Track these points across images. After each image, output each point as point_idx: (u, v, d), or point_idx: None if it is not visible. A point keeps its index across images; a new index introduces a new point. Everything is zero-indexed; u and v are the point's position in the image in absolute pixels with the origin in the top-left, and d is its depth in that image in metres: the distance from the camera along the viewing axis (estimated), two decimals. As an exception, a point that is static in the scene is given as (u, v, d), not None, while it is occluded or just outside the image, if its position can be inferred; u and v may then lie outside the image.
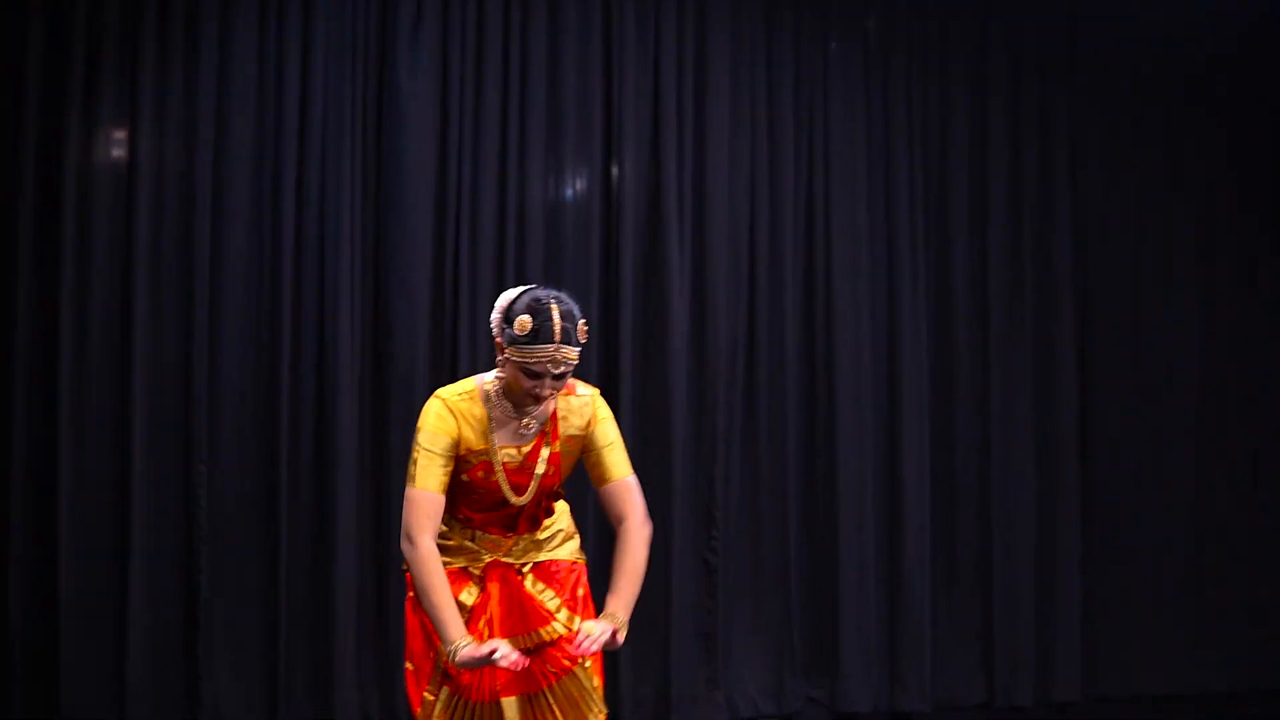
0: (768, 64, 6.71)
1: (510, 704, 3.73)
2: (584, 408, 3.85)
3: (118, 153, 6.05)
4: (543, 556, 3.91)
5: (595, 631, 3.61)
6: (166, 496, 5.99)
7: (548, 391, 3.66)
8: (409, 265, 6.18)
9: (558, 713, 3.74)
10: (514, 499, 3.80)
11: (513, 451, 3.78)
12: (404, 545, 3.71)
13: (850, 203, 6.76)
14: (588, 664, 3.74)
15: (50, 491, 5.85)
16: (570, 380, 3.78)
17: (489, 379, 3.80)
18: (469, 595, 3.82)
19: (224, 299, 6.07)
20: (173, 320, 6.02)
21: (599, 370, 6.32)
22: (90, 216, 5.97)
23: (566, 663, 3.72)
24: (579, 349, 3.66)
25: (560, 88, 6.42)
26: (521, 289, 3.74)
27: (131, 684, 5.80)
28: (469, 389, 3.81)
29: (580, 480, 4.14)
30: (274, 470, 6.03)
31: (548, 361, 3.61)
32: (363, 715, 6.01)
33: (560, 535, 3.97)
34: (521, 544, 3.89)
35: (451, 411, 3.75)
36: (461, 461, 3.75)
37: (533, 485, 3.80)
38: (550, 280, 6.17)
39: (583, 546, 4.02)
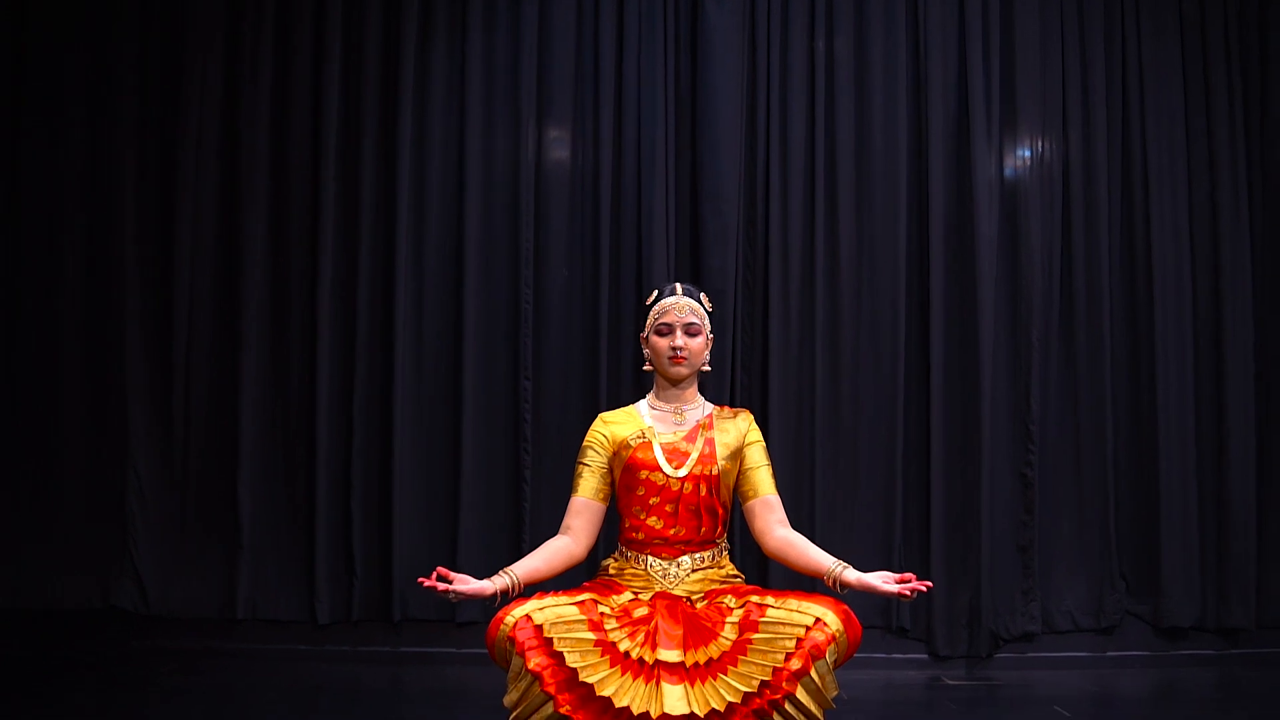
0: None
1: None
2: (740, 421, 4.27)
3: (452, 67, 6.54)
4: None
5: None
6: (495, 409, 6.43)
7: (681, 342, 4.15)
8: (720, 184, 6.38)
9: None
10: (670, 469, 4.12)
11: (669, 435, 4.20)
12: None
13: (1166, 98, 6.62)
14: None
15: (388, 410, 6.38)
16: (729, 407, 4.31)
17: (647, 396, 4.33)
18: (625, 598, 4.02)
19: (550, 222, 6.48)
20: (501, 239, 6.46)
21: (907, 277, 6.43)
22: (424, 138, 6.48)
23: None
24: (703, 308, 4.22)
25: (867, 24, 6.55)
26: None
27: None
28: (627, 406, 4.34)
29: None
30: (595, 385, 6.36)
31: (673, 309, 4.18)
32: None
33: (730, 581, 4.20)
34: (688, 569, 4.13)
35: (603, 423, 4.27)
36: (619, 452, 4.19)
37: (690, 461, 4.14)
38: (860, 198, 6.46)
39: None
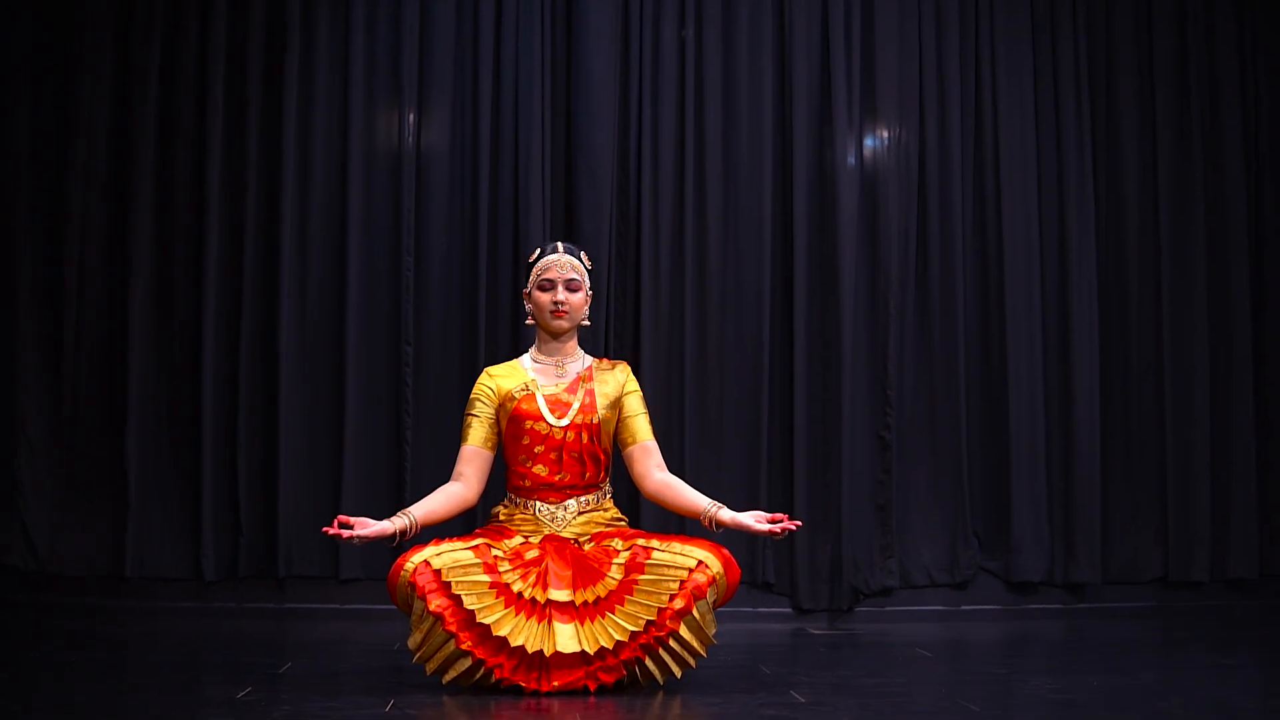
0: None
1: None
2: (618, 373, 4.54)
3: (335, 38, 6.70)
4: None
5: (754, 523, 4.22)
6: (377, 373, 6.61)
7: (562, 297, 4.39)
8: (595, 160, 6.61)
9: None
10: (553, 419, 4.38)
11: (551, 387, 4.43)
12: None
13: (1017, 89, 6.94)
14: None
15: (274, 372, 6.53)
16: (607, 359, 4.62)
17: (530, 351, 4.58)
18: (516, 542, 4.29)
19: (430, 194, 6.66)
20: (384, 211, 6.65)
21: (772, 250, 6.69)
22: (309, 112, 6.63)
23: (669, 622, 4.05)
24: (583, 265, 4.52)
25: (734, 10, 6.81)
26: None
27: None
28: (511, 361, 4.63)
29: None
30: (474, 350, 6.54)
31: (555, 265, 4.45)
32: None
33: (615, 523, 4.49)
34: (574, 512, 4.39)
35: (488, 376, 4.54)
36: (504, 404, 4.41)
37: (571, 411, 4.40)
38: (728, 176, 6.69)
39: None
